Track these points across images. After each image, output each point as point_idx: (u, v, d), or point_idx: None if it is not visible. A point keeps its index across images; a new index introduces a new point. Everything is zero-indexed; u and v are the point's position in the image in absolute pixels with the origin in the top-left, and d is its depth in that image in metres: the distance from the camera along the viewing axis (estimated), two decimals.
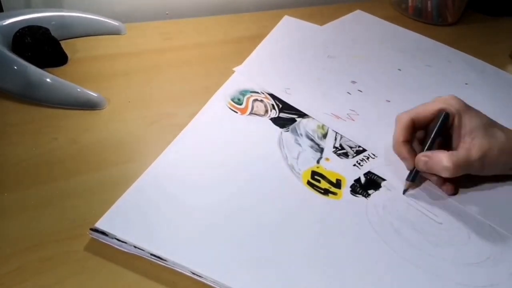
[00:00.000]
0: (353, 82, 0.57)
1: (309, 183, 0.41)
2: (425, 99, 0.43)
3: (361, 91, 0.56)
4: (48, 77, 0.45)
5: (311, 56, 0.62)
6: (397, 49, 0.68)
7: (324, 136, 0.47)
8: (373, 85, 0.57)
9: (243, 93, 0.51)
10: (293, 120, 0.49)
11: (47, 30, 0.50)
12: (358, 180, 0.42)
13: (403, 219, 0.39)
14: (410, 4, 0.78)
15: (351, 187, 0.42)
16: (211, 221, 0.36)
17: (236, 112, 0.48)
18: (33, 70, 0.45)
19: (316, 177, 0.42)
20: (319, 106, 0.51)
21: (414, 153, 0.42)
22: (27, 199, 0.36)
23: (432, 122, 0.42)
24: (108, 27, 0.59)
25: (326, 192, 0.41)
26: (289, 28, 0.69)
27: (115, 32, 0.59)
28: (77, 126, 0.44)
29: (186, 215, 0.36)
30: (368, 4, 0.81)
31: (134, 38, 0.60)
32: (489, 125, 0.41)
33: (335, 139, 0.47)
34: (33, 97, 0.45)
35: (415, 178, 0.41)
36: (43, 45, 0.48)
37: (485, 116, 0.42)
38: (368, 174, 0.43)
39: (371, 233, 0.37)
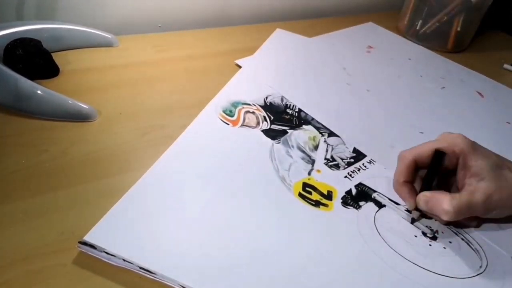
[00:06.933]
0: (349, 84, 0.59)
1: (300, 195, 0.41)
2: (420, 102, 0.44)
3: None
4: (39, 89, 0.45)
5: (303, 67, 0.63)
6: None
7: (316, 147, 0.48)
8: (370, 89, 0.58)
9: (235, 104, 0.52)
10: (285, 132, 0.49)
11: (38, 42, 0.50)
12: (349, 192, 0.43)
13: (394, 231, 0.39)
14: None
15: (342, 198, 0.42)
16: (201, 234, 0.36)
17: (228, 124, 0.48)
18: (24, 82, 0.45)
19: (307, 188, 0.42)
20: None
21: (415, 193, 0.40)
22: (15, 211, 0.36)
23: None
24: (100, 40, 0.59)
25: (317, 203, 0.41)
26: (280, 41, 0.69)
27: (107, 44, 0.60)
28: (68, 138, 0.44)
29: (175, 228, 0.36)
30: (374, 17, 0.83)
31: (127, 50, 0.60)
32: (498, 166, 0.38)
33: (327, 150, 0.47)
34: (24, 109, 0.45)
35: (415, 221, 0.41)
36: (35, 57, 0.49)
37: (494, 155, 0.39)
38: (359, 185, 0.44)
39: (362, 245, 0.37)
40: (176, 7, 0.69)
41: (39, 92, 0.45)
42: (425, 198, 0.39)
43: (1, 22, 0.53)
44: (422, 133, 0.53)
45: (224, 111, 0.50)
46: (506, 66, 0.73)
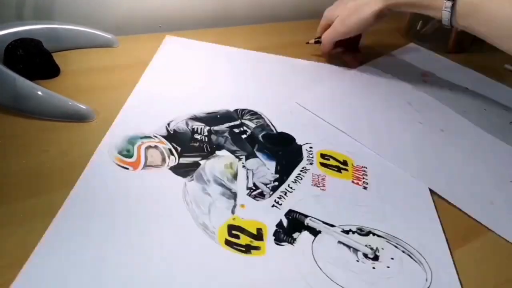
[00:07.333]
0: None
1: (227, 242, 0.35)
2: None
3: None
4: (39, 90, 0.45)
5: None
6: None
7: (235, 176, 0.42)
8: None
9: (132, 141, 0.43)
10: (197, 165, 0.42)
11: (39, 42, 0.50)
12: (280, 224, 0.38)
13: (336, 261, 0.36)
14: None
15: (274, 235, 0.37)
16: None
17: (127, 169, 0.40)
18: (24, 82, 0.45)
19: (234, 232, 0.36)
20: None
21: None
22: (16, 211, 0.35)
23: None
24: (100, 40, 0.59)
25: (248, 249, 0.35)
26: (174, 49, 0.62)
27: (107, 44, 0.59)
28: (68, 139, 0.43)
29: None
30: None
31: (127, 50, 0.59)
32: None
33: (247, 177, 0.42)
34: (24, 109, 0.45)
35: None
36: (35, 58, 0.49)
37: None
38: (289, 213, 0.39)
39: None
40: (176, 7, 0.69)
41: (39, 92, 0.45)
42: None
43: (1, 22, 0.52)
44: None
45: (120, 153, 0.42)
46: (506, 66, 0.72)
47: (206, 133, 0.47)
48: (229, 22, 0.74)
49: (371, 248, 0.37)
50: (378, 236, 0.39)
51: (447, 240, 0.39)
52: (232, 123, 0.49)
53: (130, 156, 0.42)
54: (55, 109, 0.45)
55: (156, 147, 0.43)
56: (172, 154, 0.43)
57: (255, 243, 0.36)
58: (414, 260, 0.37)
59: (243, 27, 0.72)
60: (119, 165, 0.40)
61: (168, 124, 0.47)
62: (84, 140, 0.43)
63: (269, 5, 0.78)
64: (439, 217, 0.42)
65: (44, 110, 0.45)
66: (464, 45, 0.77)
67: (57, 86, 0.49)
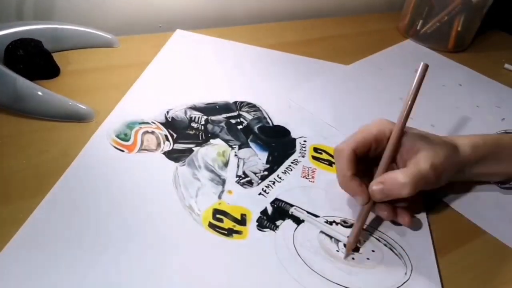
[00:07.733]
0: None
1: (210, 225, 0.36)
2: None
3: None
4: (39, 90, 0.45)
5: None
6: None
7: (226, 164, 0.43)
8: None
9: (131, 126, 0.45)
10: (190, 151, 0.44)
11: (39, 42, 0.50)
12: (264, 212, 0.39)
13: (315, 249, 0.36)
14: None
15: (257, 221, 0.38)
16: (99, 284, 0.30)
17: (123, 151, 0.42)
18: (24, 83, 0.44)
19: (218, 216, 0.37)
20: None
21: (365, 185, 0.37)
22: (16, 212, 0.35)
23: (373, 151, 0.39)
24: (101, 40, 0.59)
25: (230, 232, 0.36)
26: (182, 42, 0.63)
27: (108, 44, 0.59)
28: (69, 139, 0.43)
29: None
30: (375, 17, 0.83)
31: (127, 50, 0.59)
32: (422, 134, 0.39)
33: (238, 166, 0.43)
34: (24, 109, 0.45)
35: (349, 255, 0.36)
36: (35, 58, 0.49)
37: (413, 128, 0.40)
38: (275, 202, 0.40)
39: (282, 273, 0.34)
40: (176, 7, 0.69)
41: (39, 92, 0.45)
42: (379, 185, 0.36)
43: (1, 22, 0.52)
44: None
45: (117, 136, 0.44)
46: (507, 66, 0.72)
47: (203, 122, 0.48)
48: (229, 22, 0.74)
49: None
50: (362, 229, 0.39)
51: (432, 237, 0.39)
52: (229, 114, 0.50)
53: (127, 140, 0.43)
54: (55, 109, 0.45)
55: (153, 132, 0.45)
56: (168, 140, 0.45)
57: (238, 227, 0.37)
58: (395, 254, 0.37)
59: (243, 27, 0.72)
60: (115, 147, 0.42)
61: (167, 112, 0.48)
62: (84, 140, 0.42)
63: (268, 5, 0.77)
64: (426, 214, 0.42)
65: (44, 110, 0.45)
66: (464, 44, 0.77)
67: (57, 86, 0.49)
